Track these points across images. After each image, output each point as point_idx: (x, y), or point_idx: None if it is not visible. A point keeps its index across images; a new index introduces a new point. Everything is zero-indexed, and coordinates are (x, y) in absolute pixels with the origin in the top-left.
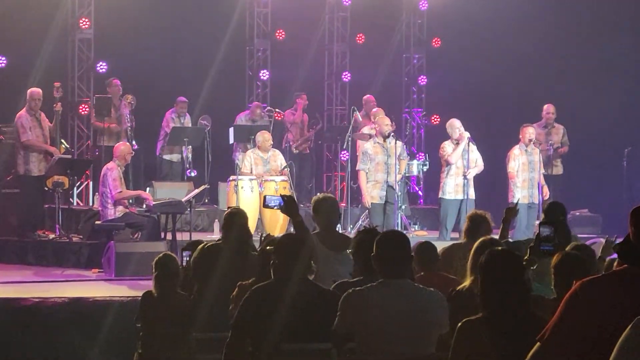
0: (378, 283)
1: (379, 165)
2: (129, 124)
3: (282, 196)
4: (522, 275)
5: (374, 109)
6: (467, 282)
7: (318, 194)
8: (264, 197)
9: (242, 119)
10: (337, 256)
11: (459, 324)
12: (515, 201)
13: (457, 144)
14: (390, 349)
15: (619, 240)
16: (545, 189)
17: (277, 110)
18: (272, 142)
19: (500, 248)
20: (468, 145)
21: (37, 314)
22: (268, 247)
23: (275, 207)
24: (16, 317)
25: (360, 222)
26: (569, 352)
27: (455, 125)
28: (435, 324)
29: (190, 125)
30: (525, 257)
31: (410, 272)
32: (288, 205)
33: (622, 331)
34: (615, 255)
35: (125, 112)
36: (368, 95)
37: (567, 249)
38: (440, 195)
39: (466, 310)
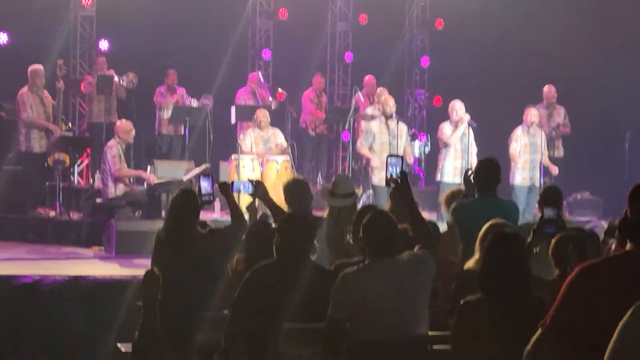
0: (368, 264)
1: (384, 146)
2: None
3: (251, 181)
4: (525, 258)
5: (379, 89)
6: (471, 263)
7: (291, 177)
8: (231, 182)
9: (242, 94)
10: None
11: (459, 306)
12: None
13: (456, 126)
14: (382, 330)
15: None
16: (552, 167)
17: (279, 90)
18: (269, 120)
19: (506, 230)
20: (468, 129)
21: (37, 291)
22: (254, 228)
23: (245, 192)
24: (16, 294)
25: (361, 203)
26: (571, 337)
27: (455, 107)
28: (426, 278)
29: (184, 98)
30: (528, 239)
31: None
32: (258, 189)
33: (623, 315)
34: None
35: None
36: (369, 76)
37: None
38: (438, 178)
39: (473, 290)
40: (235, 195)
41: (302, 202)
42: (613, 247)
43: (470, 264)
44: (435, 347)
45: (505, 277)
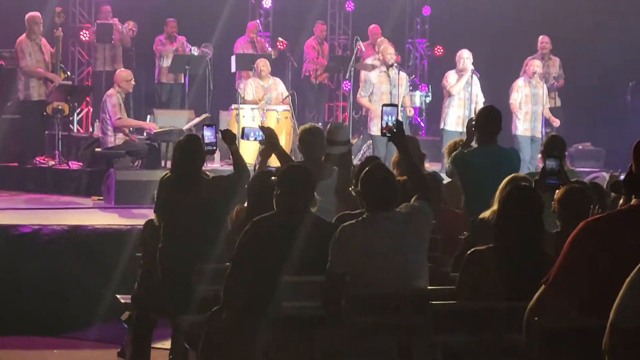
0: (366, 218)
1: (384, 95)
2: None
3: (262, 128)
4: (539, 213)
5: (379, 39)
6: (487, 213)
7: (307, 125)
8: (242, 129)
9: (241, 43)
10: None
11: (468, 254)
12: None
13: (461, 75)
14: (381, 283)
15: (623, 176)
16: (554, 119)
17: (279, 39)
18: (270, 70)
19: (524, 184)
20: (471, 78)
21: (36, 241)
22: (257, 180)
23: (255, 140)
24: (14, 244)
25: (361, 153)
26: (574, 293)
27: (462, 56)
28: (425, 230)
29: (185, 46)
30: None
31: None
32: (268, 137)
33: (629, 270)
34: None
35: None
36: (374, 25)
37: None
38: (441, 126)
39: (486, 240)
40: (243, 142)
41: (316, 151)
42: (621, 201)
43: (486, 214)
44: (435, 302)
45: (518, 230)
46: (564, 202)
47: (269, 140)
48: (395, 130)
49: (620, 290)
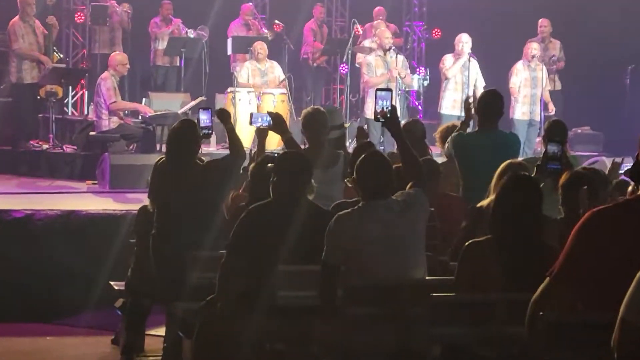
0: (361, 207)
1: (379, 79)
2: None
3: (270, 113)
4: (537, 203)
5: (376, 22)
6: (485, 202)
7: (308, 107)
8: (250, 114)
9: (236, 26)
10: (322, 175)
11: (466, 245)
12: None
13: (458, 58)
14: (377, 274)
15: (625, 162)
16: (551, 106)
17: (276, 21)
18: (267, 52)
19: (523, 173)
20: (469, 62)
21: (28, 226)
22: (259, 166)
23: (262, 125)
24: (6, 229)
25: None
26: (581, 286)
27: (461, 40)
28: (421, 218)
29: (181, 29)
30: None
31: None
32: (276, 122)
33: (636, 262)
34: (623, 177)
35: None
36: (379, 8)
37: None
38: (438, 110)
39: (485, 229)
40: (245, 126)
41: (321, 135)
42: (630, 189)
43: (484, 202)
44: (434, 294)
45: (518, 221)
46: (568, 188)
47: (277, 127)
48: (389, 115)
49: (631, 284)
